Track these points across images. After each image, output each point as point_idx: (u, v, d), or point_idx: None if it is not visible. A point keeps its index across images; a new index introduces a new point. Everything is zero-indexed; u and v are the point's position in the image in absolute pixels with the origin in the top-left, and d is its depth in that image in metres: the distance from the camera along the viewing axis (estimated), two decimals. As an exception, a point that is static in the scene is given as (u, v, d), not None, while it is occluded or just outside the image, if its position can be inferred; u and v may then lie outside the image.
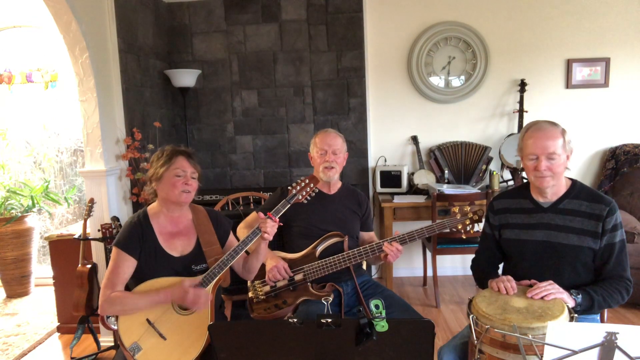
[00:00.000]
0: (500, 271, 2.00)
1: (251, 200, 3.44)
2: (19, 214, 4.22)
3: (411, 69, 4.05)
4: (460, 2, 3.98)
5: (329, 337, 1.27)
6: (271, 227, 1.89)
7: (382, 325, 1.23)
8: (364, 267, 2.52)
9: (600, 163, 4.07)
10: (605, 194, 2.51)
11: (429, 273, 3.83)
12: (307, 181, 2.02)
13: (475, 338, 1.52)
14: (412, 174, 3.97)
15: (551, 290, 1.61)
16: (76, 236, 3.01)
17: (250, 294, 2.23)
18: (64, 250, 3.31)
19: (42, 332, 3.46)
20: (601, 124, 4.03)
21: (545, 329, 1.35)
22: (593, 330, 1.07)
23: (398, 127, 4.16)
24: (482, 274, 1.93)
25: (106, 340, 3.10)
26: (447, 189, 3.56)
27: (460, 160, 4.01)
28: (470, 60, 4.02)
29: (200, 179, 1.97)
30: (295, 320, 1.26)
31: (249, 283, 2.24)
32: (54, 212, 4.67)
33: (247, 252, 2.00)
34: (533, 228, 1.82)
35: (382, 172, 3.93)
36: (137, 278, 1.84)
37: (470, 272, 2.07)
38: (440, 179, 4.00)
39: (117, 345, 2.79)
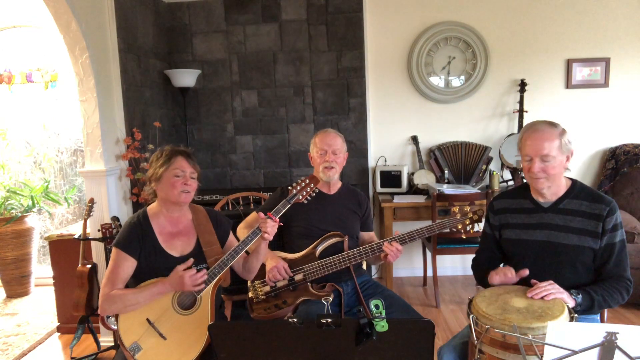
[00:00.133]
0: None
1: (251, 200, 3.44)
2: (19, 214, 4.22)
3: (411, 69, 4.05)
4: (460, 2, 3.98)
5: (329, 337, 1.27)
6: (271, 227, 1.89)
7: (382, 325, 1.23)
8: (364, 267, 2.53)
9: (600, 163, 4.07)
10: (605, 194, 2.51)
11: (429, 273, 3.83)
12: (307, 181, 2.03)
13: (475, 338, 1.52)
14: (412, 174, 3.97)
15: (551, 290, 1.61)
16: (76, 236, 3.01)
17: (250, 294, 2.23)
18: (64, 250, 3.31)
19: (42, 332, 3.46)
20: (601, 124, 4.03)
21: (545, 329, 1.35)
22: (593, 330, 1.07)
23: (398, 127, 4.16)
24: (483, 274, 1.92)
25: (106, 340, 3.10)
26: (447, 189, 3.56)
27: (460, 160, 4.01)
28: (470, 60, 4.02)
29: (199, 178, 1.97)
30: (295, 320, 1.26)
31: (249, 283, 2.24)
32: (54, 212, 4.67)
33: (247, 252, 2.00)
34: (533, 228, 1.82)
35: (382, 172, 3.93)
36: (138, 278, 1.85)
37: (470, 272, 2.08)
38: (440, 179, 4.00)
39: (117, 345, 2.80)
